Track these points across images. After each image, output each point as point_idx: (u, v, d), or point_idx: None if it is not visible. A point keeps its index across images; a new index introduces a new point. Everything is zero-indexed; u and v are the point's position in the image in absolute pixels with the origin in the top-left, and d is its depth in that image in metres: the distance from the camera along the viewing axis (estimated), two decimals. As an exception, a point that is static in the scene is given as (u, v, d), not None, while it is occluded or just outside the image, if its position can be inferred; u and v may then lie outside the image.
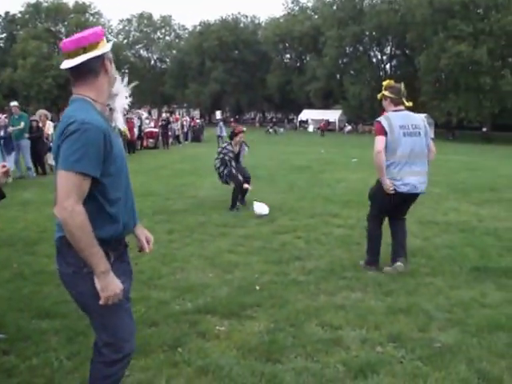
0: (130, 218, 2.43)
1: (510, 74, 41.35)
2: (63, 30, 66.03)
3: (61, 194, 2.12)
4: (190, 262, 5.75)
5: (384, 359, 3.44)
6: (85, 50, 2.25)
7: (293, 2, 70.20)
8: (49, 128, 14.39)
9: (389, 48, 60.99)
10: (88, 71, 2.29)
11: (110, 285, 2.20)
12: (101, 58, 2.32)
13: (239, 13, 76.81)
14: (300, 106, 62.96)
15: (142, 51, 78.80)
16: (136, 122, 22.82)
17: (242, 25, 74.11)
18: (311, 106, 60.60)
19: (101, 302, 2.21)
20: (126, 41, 74.85)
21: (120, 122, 2.60)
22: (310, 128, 53.88)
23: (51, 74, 57.94)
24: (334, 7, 58.02)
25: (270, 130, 47.35)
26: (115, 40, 71.41)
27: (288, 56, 71.11)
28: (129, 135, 19.22)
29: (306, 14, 67.34)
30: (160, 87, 72.73)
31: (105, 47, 2.34)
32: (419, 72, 47.02)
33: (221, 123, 28.17)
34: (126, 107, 2.65)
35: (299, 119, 58.83)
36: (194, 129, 34.05)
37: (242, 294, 4.65)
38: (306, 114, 58.11)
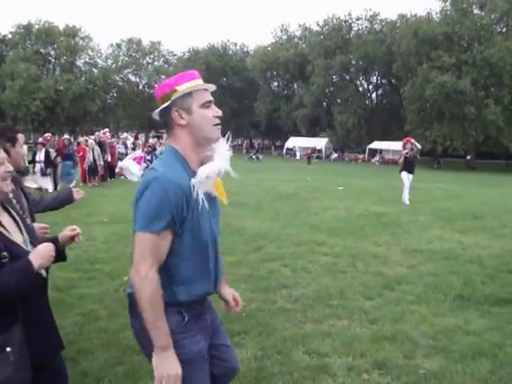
0: (209, 279, 2.23)
1: (494, 103, 42.06)
2: (53, 52, 66.29)
3: (136, 256, 2.00)
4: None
5: (370, 386, 3.50)
6: (162, 101, 2.15)
7: (281, 31, 71.08)
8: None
9: (375, 77, 61.95)
10: (165, 123, 2.21)
11: (165, 363, 2.01)
12: (169, 108, 2.16)
13: (228, 40, 77.73)
14: (287, 133, 63.22)
15: (130, 76, 78.86)
16: (119, 147, 22.68)
17: (230, 52, 74.48)
18: (298, 134, 60.92)
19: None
20: (114, 65, 75.01)
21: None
22: (297, 155, 54.11)
23: (39, 97, 58.02)
24: (322, 36, 58.84)
25: (253, 157, 47.06)
26: (104, 64, 71.96)
27: (275, 83, 71.44)
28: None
29: (293, 43, 68.10)
30: (148, 112, 72.89)
31: (177, 95, 2.15)
32: (404, 101, 47.71)
33: None
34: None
35: (286, 146, 58.94)
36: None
37: (229, 322, 4.64)
38: (293, 142, 58.32)
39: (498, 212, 11.85)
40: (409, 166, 14.32)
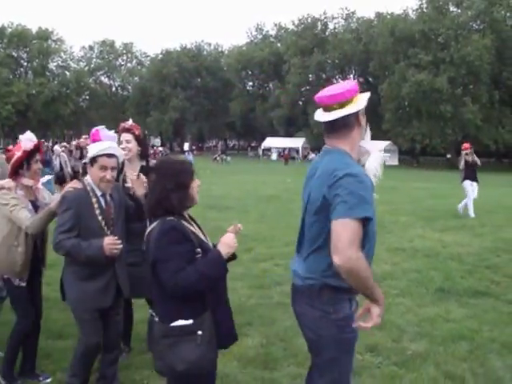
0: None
1: (471, 102, 42.18)
2: (25, 55, 65.55)
3: (343, 243, 2.15)
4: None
5: (364, 365, 4.04)
6: (341, 106, 2.37)
7: (256, 30, 71.26)
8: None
9: (352, 76, 61.38)
10: (343, 125, 2.39)
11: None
12: (356, 112, 2.41)
13: (202, 40, 77.56)
14: (263, 134, 63.07)
15: (103, 78, 78.45)
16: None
17: (205, 52, 74.35)
18: (274, 134, 60.67)
19: (368, 325, 2.34)
20: (87, 67, 74.47)
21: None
22: (274, 156, 53.92)
23: (11, 101, 57.28)
24: (297, 36, 58.68)
25: (218, 159, 44.89)
26: (76, 67, 71.25)
27: (251, 83, 71.50)
28: None
29: (268, 42, 68.21)
30: (121, 115, 72.38)
31: (361, 103, 2.43)
32: (382, 100, 47.69)
33: (188, 153, 28.79)
34: (378, 173, 2.58)
35: (262, 147, 58.44)
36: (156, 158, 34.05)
37: (233, 315, 5.14)
38: (270, 142, 57.95)
39: (478, 211, 12.24)
40: (471, 172, 12.59)
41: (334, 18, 59.99)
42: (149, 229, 2.52)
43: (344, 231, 2.15)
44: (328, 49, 55.88)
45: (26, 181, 3.71)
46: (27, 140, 3.69)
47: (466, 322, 4.98)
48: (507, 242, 9.10)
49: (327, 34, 59.03)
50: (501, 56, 42.68)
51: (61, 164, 16.48)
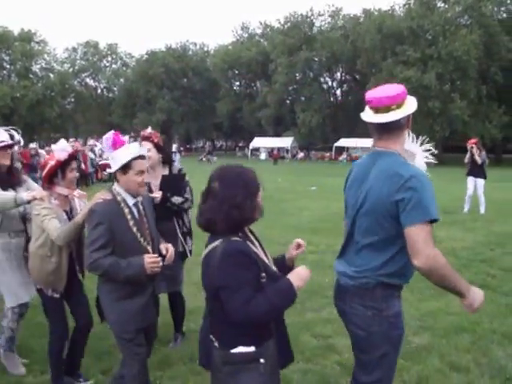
0: None
1: (459, 98, 42.18)
2: (7, 58, 64.80)
3: (420, 245, 2.28)
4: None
5: (372, 359, 4.15)
6: (399, 107, 2.45)
7: (242, 29, 70.97)
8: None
9: (339, 74, 61.95)
10: (398, 127, 2.48)
11: (476, 295, 2.45)
12: (410, 114, 2.50)
13: (188, 40, 76.96)
14: (251, 134, 62.67)
15: (88, 80, 77.83)
16: (90, 154, 22.79)
17: (190, 52, 73.82)
18: (262, 133, 60.26)
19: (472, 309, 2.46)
20: (71, 69, 73.75)
21: None
22: (262, 156, 53.55)
23: (-7, 104, 56.36)
24: (284, 34, 58.21)
25: (204, 159, 44.47)
26: (60, 68, 70.58)
27: (237, 83, 70.98)
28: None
29: (254, 41, 67.88)
30: (107, 117, 71.97)
31: (413, 104, 2.53)
32: (370, 97, 48.01)
33: (175, 154, 28.78)
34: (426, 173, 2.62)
35: (251, 147, 57.63)
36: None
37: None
38: (258, 142, 57.36)
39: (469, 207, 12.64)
40: (473, 168, 12.72)
41: (320, 15, 59.67)
42: (208, 249, 2.32)
43: (420, 234, 2.28)
44: (315, 47, 55.57)
45: (61, 190, 3.66)
46: (60, 150, 3.63)
47: (466, 315, 5.08)
48: (499, 236, 9.31)
49: (314, 31, 58.71)
50: (488, 51, 42.49)
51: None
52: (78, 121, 73.61)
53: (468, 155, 12.88)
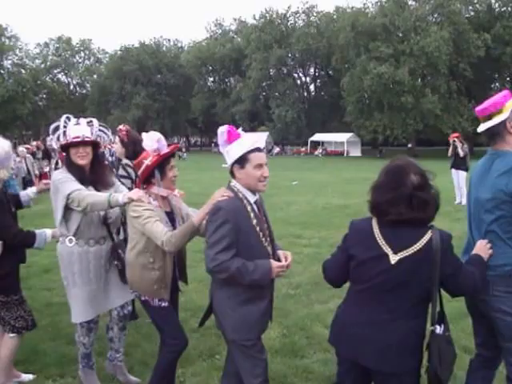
0: None
1: (431, 92, 43.20)
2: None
3: None
4: (187, 286, 6.32)
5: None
6: (498, 113, 2.74)
7: (216, 25, 70.92)
8: None
9: (313, 69, 62.64)
10: (500, 130, 2.75)
11: None
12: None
13: (161, 37, 76.77)
14: (225, 130, 63.28)
15: (60, 76, 76.73)
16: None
17: (164, 48, 73.74)
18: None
19: None
20: (43, 65, 72.56)
21: None
22: (238, 151, 54.04)
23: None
24: (258, 30, 58.47)
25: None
26: (32, 64, 69.35)
27: (211, 79, 71.08)
28: None
29: (228, 37, 67.99)
30: (81, 113, 70.97)
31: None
32: (344, 93, 48.32)
33: None
34: None
35: None
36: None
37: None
38: None
39: (448, 198, 12.86)
40: (455, 160, 13.28)
41: (296, 13, 60.14)
42: (421, 242, 2.39)
43: None
44: (290, 43, 56.17)
45: (161, 190, 3.32)
46: (156, 141, 3.31)
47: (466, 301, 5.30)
48: (485, 225, 9.54)
49: (289, 27, 59.18)
50: (458, 48, 43.45)
51: (27, 166, 15.77)
52: (51, 118, 72.14)
53: (451, 148, 13.37)
